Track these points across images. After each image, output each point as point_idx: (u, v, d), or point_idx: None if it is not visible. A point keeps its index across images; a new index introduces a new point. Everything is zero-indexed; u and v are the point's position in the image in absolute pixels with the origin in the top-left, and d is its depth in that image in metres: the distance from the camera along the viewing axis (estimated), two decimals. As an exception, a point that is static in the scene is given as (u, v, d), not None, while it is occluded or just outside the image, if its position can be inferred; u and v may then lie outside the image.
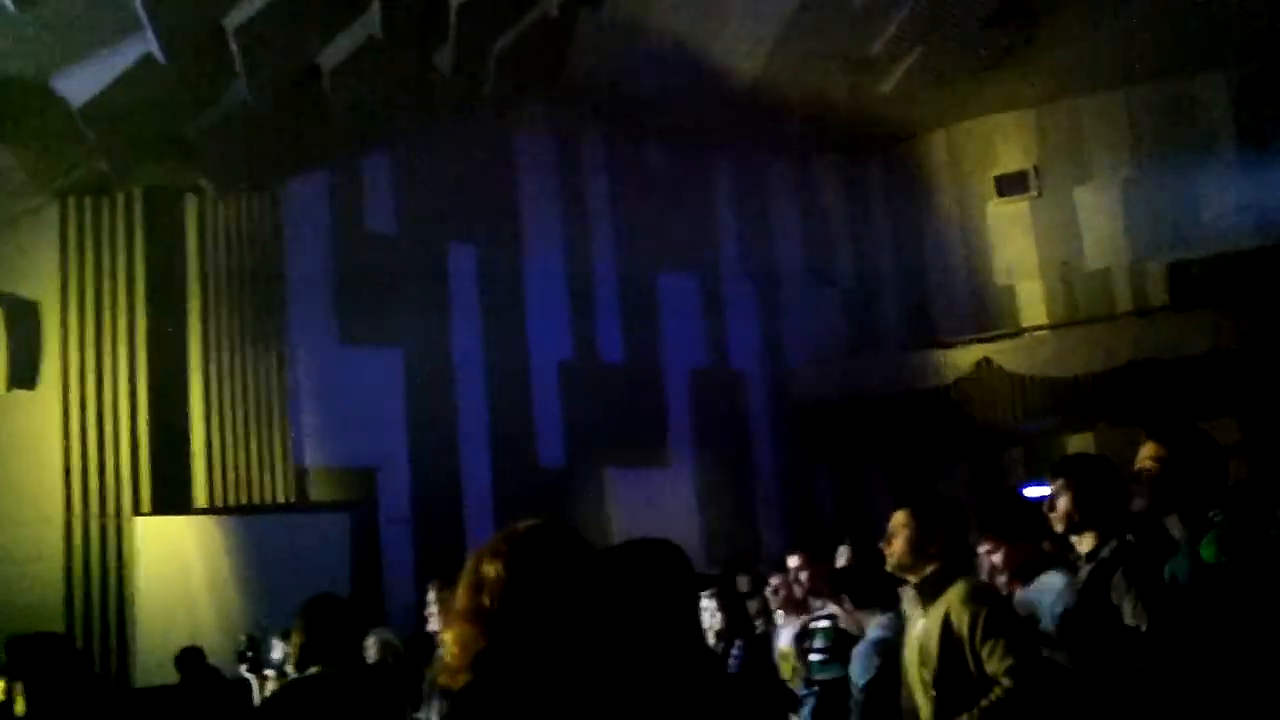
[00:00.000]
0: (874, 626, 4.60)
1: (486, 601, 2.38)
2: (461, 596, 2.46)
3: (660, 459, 14.46)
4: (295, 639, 4.11)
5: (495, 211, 13.90)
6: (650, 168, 15.38)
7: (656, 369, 14.88)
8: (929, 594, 3.85)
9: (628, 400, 14.19)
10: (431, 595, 6.12)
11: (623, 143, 15.07)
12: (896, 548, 3.92)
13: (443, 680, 2.50)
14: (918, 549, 3.86)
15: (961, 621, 3.68)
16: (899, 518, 3.93)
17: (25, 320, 11.01)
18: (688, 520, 13.70)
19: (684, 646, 2.78)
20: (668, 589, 2.80)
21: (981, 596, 3.79)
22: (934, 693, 3.74)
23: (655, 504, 13.38)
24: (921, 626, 3.85)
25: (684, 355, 15.14)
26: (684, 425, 14.89)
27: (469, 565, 2.45)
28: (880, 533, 4.13)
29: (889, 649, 4.30)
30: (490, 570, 2.39)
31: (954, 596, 3.76)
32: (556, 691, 2.27)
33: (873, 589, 4.65)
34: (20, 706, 4.15)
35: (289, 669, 8.30)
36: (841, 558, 5.23)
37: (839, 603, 5.02)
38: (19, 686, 4.17)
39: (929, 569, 3.86)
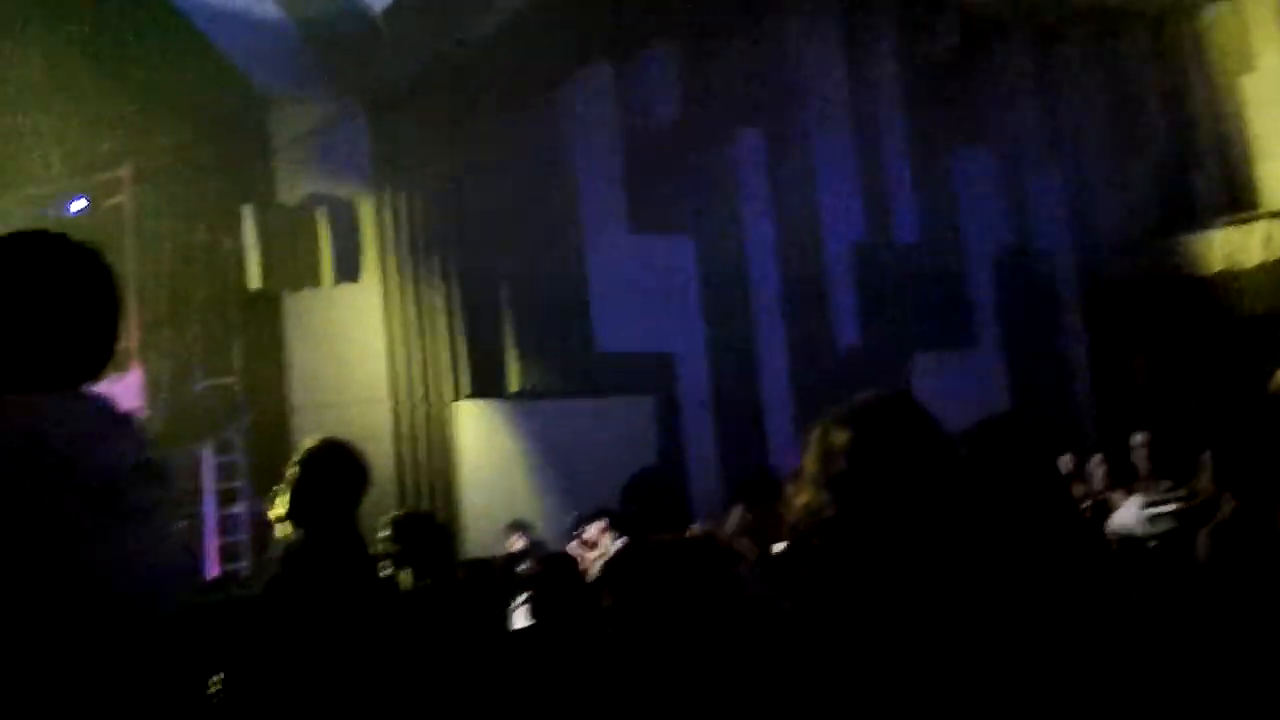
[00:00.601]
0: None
1: (836, 468, 2.39)
2: (810, 463, 2.48)
3: (963, 341, 14.09)
4: (625, 511, 4.24)
5: (781, 95, 13.67)
6: (941, 42, 14.74)
7: (956, 248, 14.43)
8: None
9: (926, 281, 13.84)
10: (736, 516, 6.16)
11: (911, 19, 14.48)
12: None
13: (795, 545, 2.51)
14: None
15: None
16: None
17: (345, 218, 11.68)
18: (995, 403, 13.30)
19: (1046, 518, 2.70)
20: (1028, 461, 2.74)
21: None
22: None
23: (959, 387, 13.04)
24: None
25: (985, 233, 14.60)
26: (987, 306, 14.43)
27: (816, 433, 2.48)
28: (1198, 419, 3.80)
29: None
30: (840, 438, 2.41)
31: None
32: (910, 557, 2.24)
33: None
34: (406, 580, 4.51)
35: (602, 542, 8.66)
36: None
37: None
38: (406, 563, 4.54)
39: None
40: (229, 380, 12.07)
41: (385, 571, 4.54)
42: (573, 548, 9.07)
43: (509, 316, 11.74)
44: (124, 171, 11.98)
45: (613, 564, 4.35)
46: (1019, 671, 2.25)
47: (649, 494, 4.29)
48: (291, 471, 3.77)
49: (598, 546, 8.70)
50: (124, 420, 2.01)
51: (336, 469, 3.76)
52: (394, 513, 4.87)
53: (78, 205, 11.95)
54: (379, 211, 11.67)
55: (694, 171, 12.80)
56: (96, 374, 1.98)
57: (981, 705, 2.19)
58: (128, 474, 1.93)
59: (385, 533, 4.62)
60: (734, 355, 12.74)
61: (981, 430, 3.14)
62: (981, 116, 14.80)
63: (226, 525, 11.76)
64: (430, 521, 4.95)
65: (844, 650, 2.23)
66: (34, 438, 1.83)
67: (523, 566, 9.23)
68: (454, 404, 11.37)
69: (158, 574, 2.01)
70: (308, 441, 3.88)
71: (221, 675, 3.81)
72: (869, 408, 2.44)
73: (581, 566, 8.78)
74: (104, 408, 1.97)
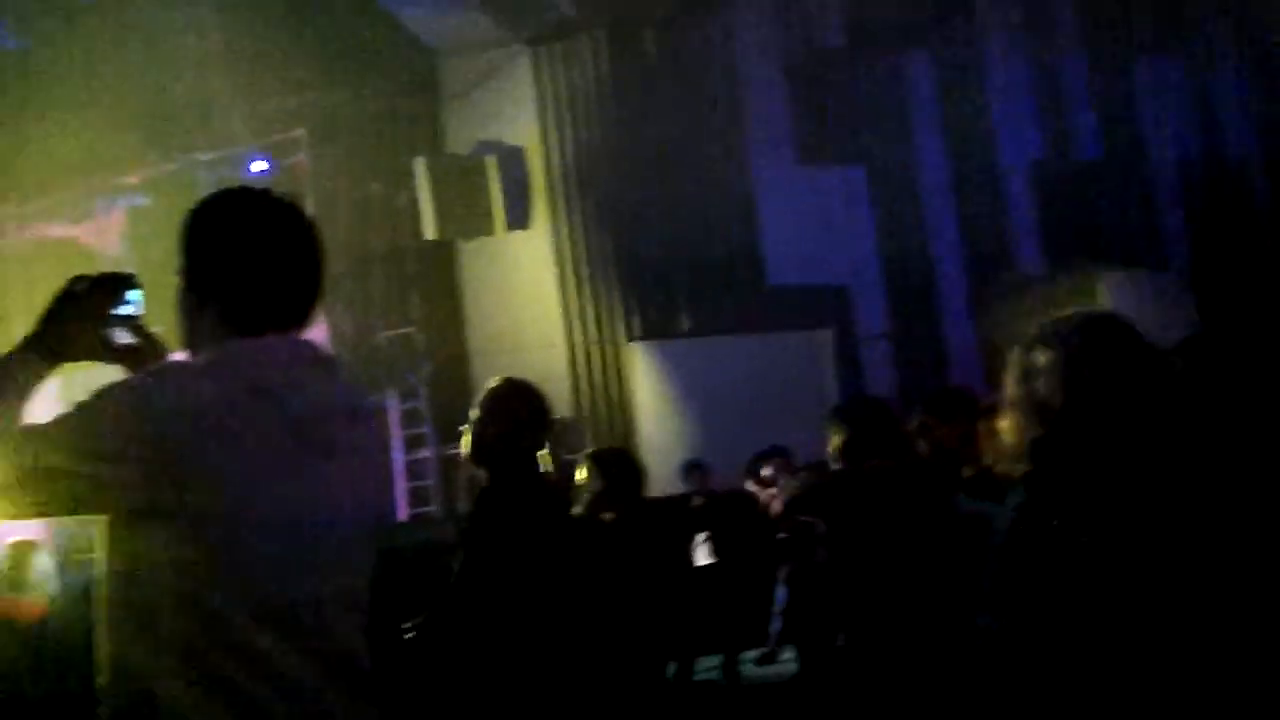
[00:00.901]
0: None
1: (1039, 389, 2.33)
2: (1011, 386, 2.43)
3: (1152, 260, 13.52)
4: (837, 438, 4.18)
5: (950, 13, 13.21)
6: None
7: (1141, 163, 13.81)
8: None
9: (1111, 199, 13.29)
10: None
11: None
12: None
13: (1001, 468, 2.44)
14: None
15: None
16: None
17: (514, 165, 11.80)
18: (1184, 323, 12.74)
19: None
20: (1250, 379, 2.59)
21: None
22: None
23: (1149, 307, 12.52)
24: None
25: (1170, 145, 13.93)
26: (1177, 222, 13.79)
27: (1016, 355, 2.42)
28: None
29: None
30: (1041, 359, 2.34)
31: None
32: (1120, 475, 2.17)
33: None
34: (608, 515, 4.59)
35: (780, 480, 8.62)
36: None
37: None
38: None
39: None
40: (409, 330, 12.40)
41: (581, 508, 4.60)
42: (750, 486, 9.10)
43: (679, 255, 11.70)
44: (301, 131, 12.33)
45: (828, 490, 4.31)
46: (1244, 597, 2.15)
47: (864, 420, 4.21)
48: (474, 413, 3.82)
49: (775, 484, 8.70)
50: (331, 363, 2.13)
51: (517, 408, 3.80)
52: (591, 449, 4.95)
53: (258, 166, 12.35)
54: (547, 156, 11.75)
55: (862, 98, 12.49)
56: (304, 320, 2.08)
57: (1201, 631, 2.10)
58: (334, 414, 2.03)
59: (583, 469, 4.69)
60: (911, 284, 12.46)
61: (1198, 345, 2.99)
62: (1164, 22, 14.05)
63: (413, 470, 12.14)
64: (627, 457, 5.01)
65: (1061, 573, 2.16)
66: (250, 377, 1.95)
67: (701, 505, 9.30)
68: (627, 345, 11.42)
69: (360, 510, 2.08)
70: (489, 383, 3.94)
71: (418, 618, 3.90)
72: (1071, 326, 2.37)
73: (760, 504, 8.83)
74: (313, 351, 2.09)
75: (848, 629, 4.08)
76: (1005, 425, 2.38)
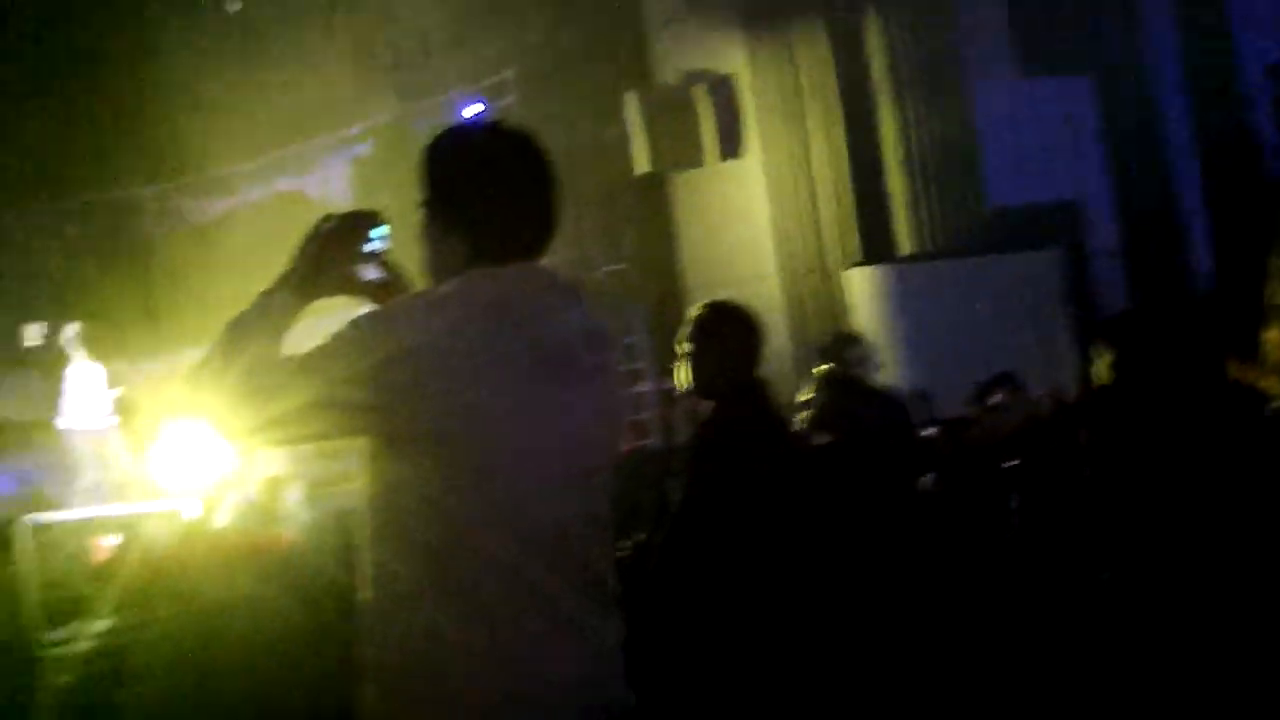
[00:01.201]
0: None
1: None
2: (1277, 295, 2.25)
3: None
4: (1105, 357, 3.95)
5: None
6: None
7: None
8: None
9: (1365, 97, 12.29)
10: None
11: None
12: None
13: (1265, 384, 2.27)
14: None
15: None
16: None
17: (725, 94, 11.69)
18: None
19: None
20: None
21: None
22: None
23: None
24: None
25: None
26: None
27: (1276, 263, 2.24)
28: None
29: None
30: None
31: None
32: None
33: None
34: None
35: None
36: None
37: None
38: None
39: None
40: (624, 265, 12.50)
41: (801, 426, 4.55)
42: (976, 414, 8.83)
43: (896, 176, 11.41)
44: (510, 72, 12.49)
45: (1099, 404, 4.09)
46: None
47: (1136, 337, 3.93)
48: (687, 346, 3.76)
49: (1002, 411, 8.42)
50: (571, 290, 2.18)
51: (729, 333, 3.73)
52: (821, 368, 4.91)
53: (472, 110, 12.57)
54: (756, 83, 11.58)
55: (1087, 6, 11.85)
56: (543, 247, 2.17)
57: None
58: (578, 339, 2.08)
59: (809, 388, 4.65)
60: (1145, 198, 11.81)
61: None
62: None
63: (633, 404, 12.26)
64: (856, 381, 4.95)
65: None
66: (496, 305, 2.00)
67: (926, 435, 9.10)
68: (844, 272, 11.23)
69: (605, 433, 2.14)
70: (693, 310, 3.86)
71: (638, 540, 3.92)
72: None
73: (986, 431, 8.57)
74: (555, 279, 2.15)
75: (1117, 560, 3.85)
76: (1272, 336, 2.22)
